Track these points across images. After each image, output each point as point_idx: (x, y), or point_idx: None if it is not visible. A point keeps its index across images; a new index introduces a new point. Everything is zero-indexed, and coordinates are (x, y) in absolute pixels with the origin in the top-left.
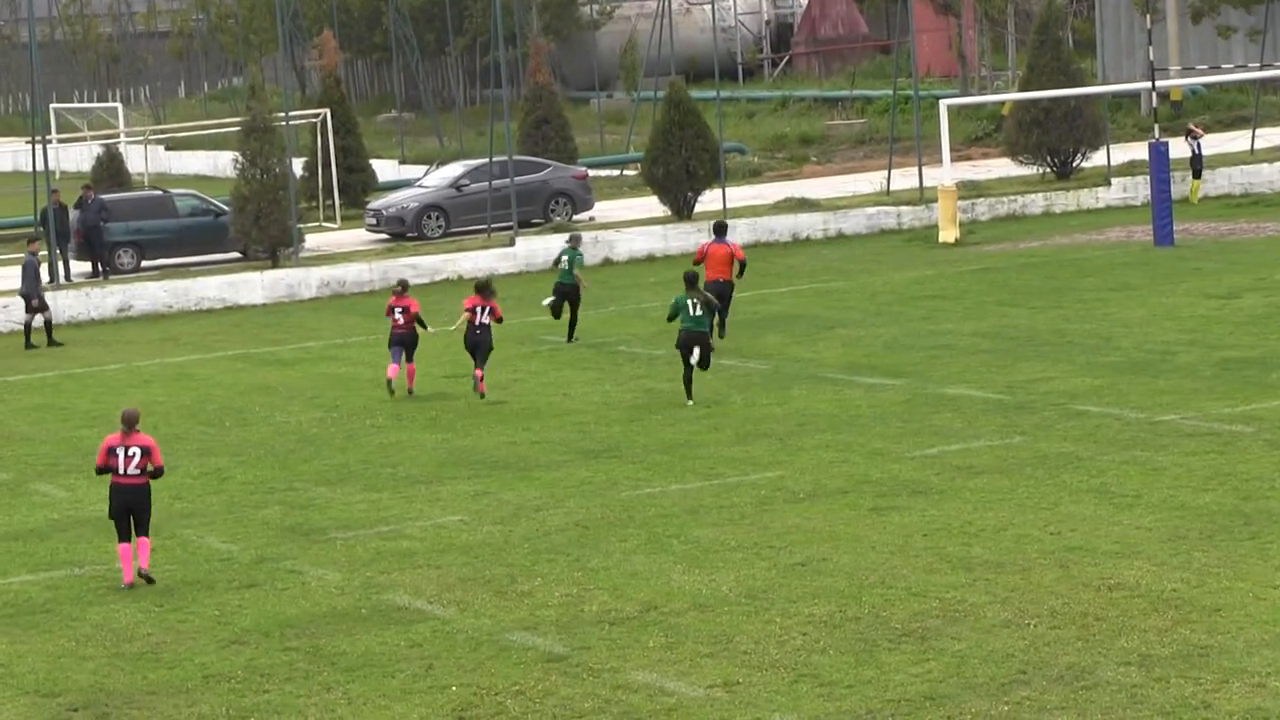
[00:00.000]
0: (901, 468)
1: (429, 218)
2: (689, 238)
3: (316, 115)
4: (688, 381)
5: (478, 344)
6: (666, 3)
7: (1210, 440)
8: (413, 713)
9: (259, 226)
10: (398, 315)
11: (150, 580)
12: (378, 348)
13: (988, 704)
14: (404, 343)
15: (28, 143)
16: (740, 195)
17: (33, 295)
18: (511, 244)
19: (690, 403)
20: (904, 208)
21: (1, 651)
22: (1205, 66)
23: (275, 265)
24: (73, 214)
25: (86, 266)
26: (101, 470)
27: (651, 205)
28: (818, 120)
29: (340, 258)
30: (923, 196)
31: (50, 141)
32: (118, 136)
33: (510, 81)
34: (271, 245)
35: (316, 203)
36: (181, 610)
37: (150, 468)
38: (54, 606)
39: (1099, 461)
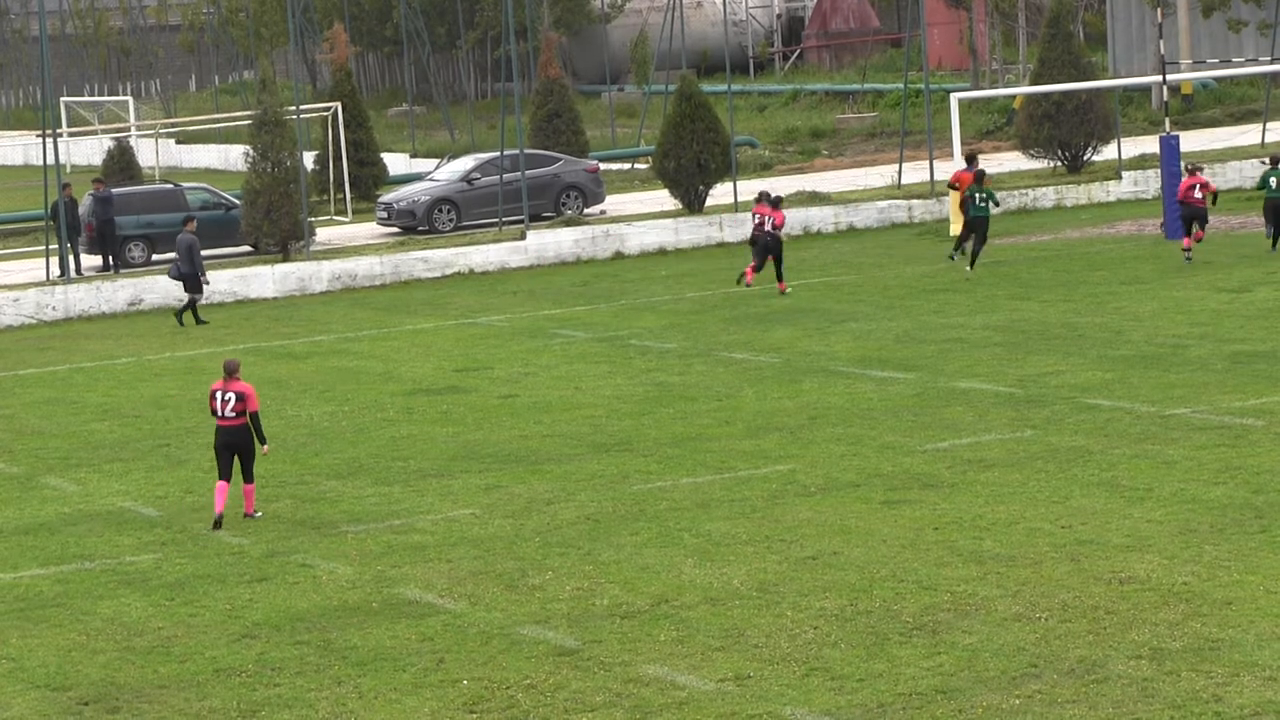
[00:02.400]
0: (913, 461)
1: (440, 211)
2: (700, 231)
3: (327, 109)
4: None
5: (766, 248)
6: None
7: (1221, 434)
8: (424, 706)
9: (270, 220)
10: (759, 221)
11: (218, 524)
12: (389, 341)
13: (999, 697)
14: (769, 249)
15: (38, 136)
16: (751, 189)
17: (195, 274)
18: (522, 237)
19: (968, 270)
20: (915, 201)
21: (12, 645)
22: (1216, 60)
23: (286, 259)
24: (82, 208)
25: (97, 260)
26: (214, 413)
27: (663, 199)
28: (829, 114)
29: (351, 251)
30: (934, 190)
31: (61, 135)
32: (128, 130)
33: (521, 75)
34: (282, 239)
35: (327, 196)
36: (192, 604)
37: (247, 411)
38: (65, 600)
39: (1110, 455)
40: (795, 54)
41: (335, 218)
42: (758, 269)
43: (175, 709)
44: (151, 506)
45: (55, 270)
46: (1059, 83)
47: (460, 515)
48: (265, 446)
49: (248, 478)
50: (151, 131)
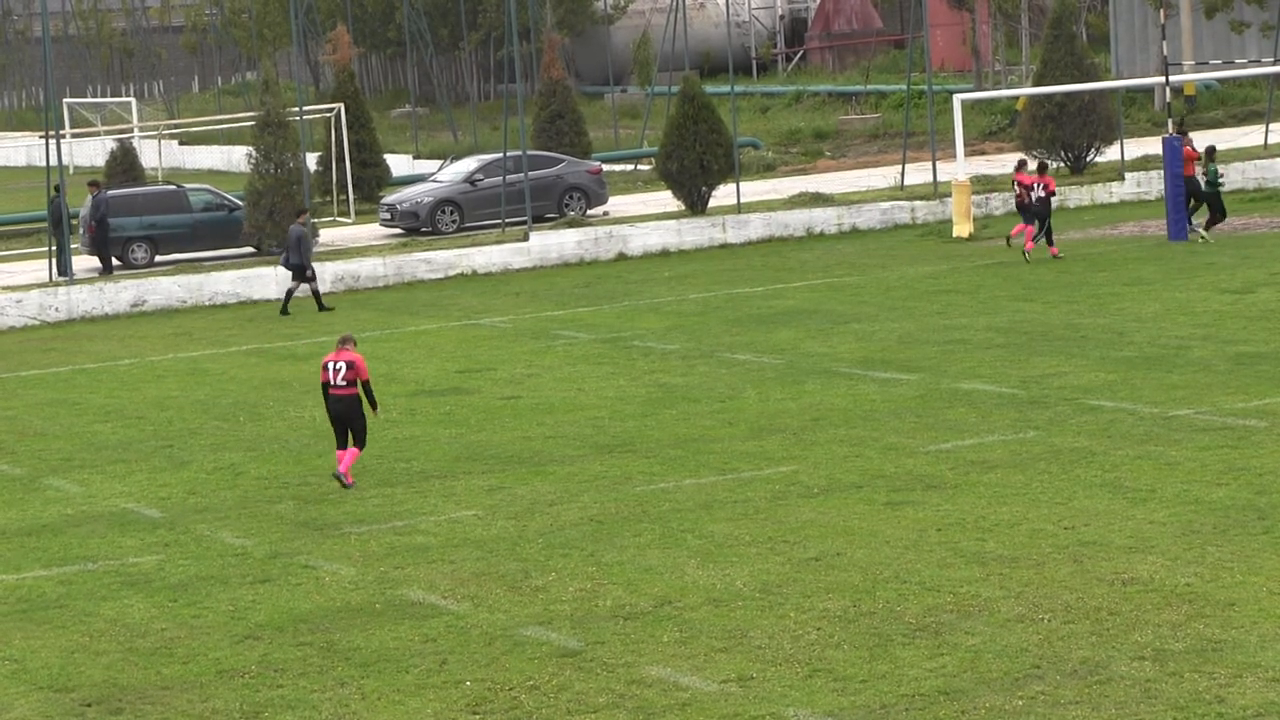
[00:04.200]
0: (915, 462)
1: (443, 212)
2: (703, 232)
3: (330, 110)
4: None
5: (1035, 211)
6: None
7: (1224, 435)
8: (426, 708)
9: (273, 221)
10: (1041, 190)
11: (344, 484)
12: (392, 342)
13: (1001, 699)
14: (1039, 214)
15: (41, 138)
16: (754, 190)
17: (305, 265)
18: (525, 239)
19: (1205, 237)
20: (918, 202)
21: (15, 647)
22: (1219, 61)
23: None
24: (84, 209)
25: (92, 261)
26: (324, 385)
27: (665, 200)
28: (832, 115)
29: (354, 253)
30: (936, 191)
31: (64, 136)
32: (131, 131)
33: (524, 76)
34: (285, 240)
35: (330, 198)
36: (195, 605)
37: (358, 380)
38: (67, 602)
39: (1113, 456)
40: (798, 55)
41: (338, 219)
42: (1036, 236)
43: (178, 710)
44: (154, 508)
45: (58, 271)
46: (1062, 84)
47: (463, 516)
48: (377, 410)
49: (358, 443)
50: (154, 133)
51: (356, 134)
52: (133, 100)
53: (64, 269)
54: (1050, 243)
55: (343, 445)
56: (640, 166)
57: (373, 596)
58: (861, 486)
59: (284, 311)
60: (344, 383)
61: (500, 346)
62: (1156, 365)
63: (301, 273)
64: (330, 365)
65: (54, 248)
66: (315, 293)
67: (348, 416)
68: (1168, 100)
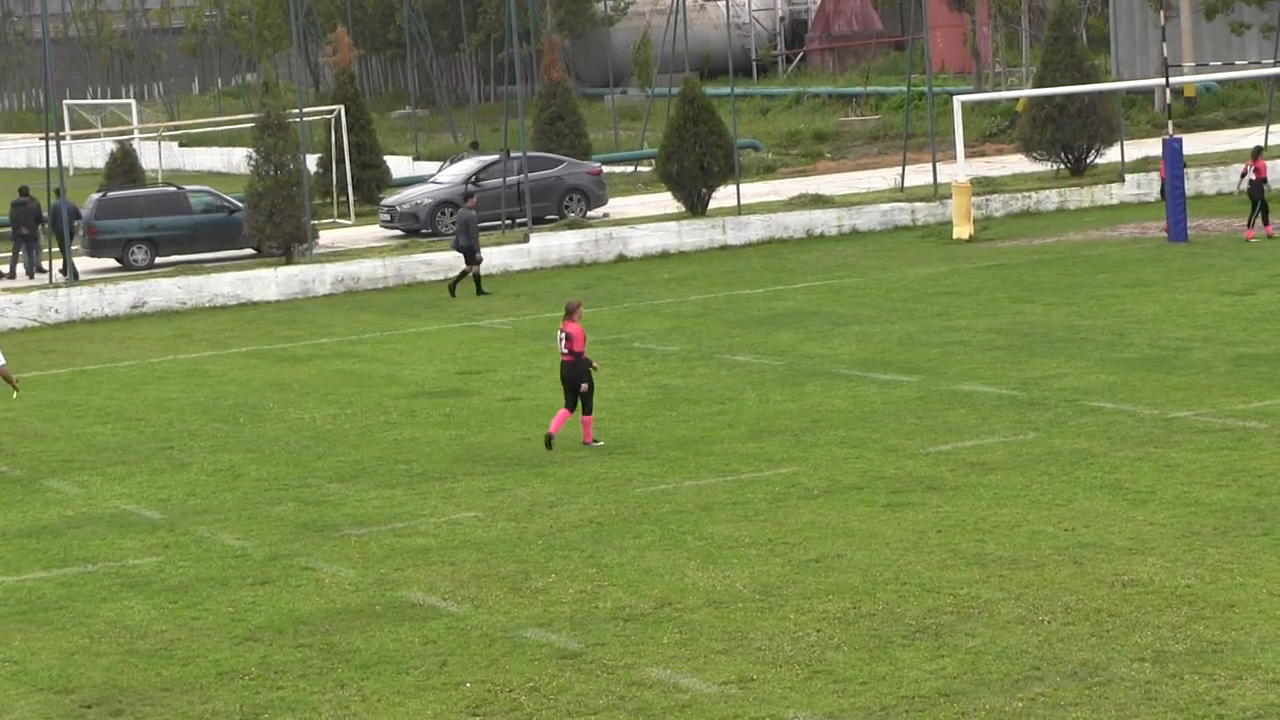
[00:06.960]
0: (915, 464)
1: (443, 214)
2: (703, 234)
3: (330, 112)
4: None
5: (1249, 194)
6: None
7: (1224, 436)
8: (427, 709)
9: (273, 223)
10: (1252, 174)
11: (548, 444)
12: (392, 344)
13: (1001, 700)
14: (1252, 197)
15: (41, 139)
16: (754, 191)
17: (474, 249)
18: (525, 240)
19: None
20: (918, 204)
21: (15, 648)
22: (1219, 63)
23: (289, 262)
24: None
25: (90, 264)
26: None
27: (665, 201)
28: (832, 117)
29: (354, 254)
30: (937, 193)
31: (64, 138)
32: (131, 133)
33: (524, 78)
34: (285, 242)
35: (330, 199)
36: (195, 607)
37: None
38: (67, 603)
39: (1113, 458)
40: (798, 57)
41: (338, 220)
42: (1251, 221)
43: (178, 712)
44: (154, 509)
45: (58, 273)
46: (1062, 85)
47: (463, 518)
48: (596, 363)
49: (585, 409)
50: (154, 134)
51: (357, 136)
52: (133, 102)
53: (34, 270)
54: (1266, 222)
55: (569, 407)
56: (640, 168)
57: (373, 598)
58: (861, 488)
59: (478, 291)
60: (566, 350)
61: (500, 348)
62: (1157, 367)
63: (471, 255)
64: (559, 333)
65: (52, 250)
66: (476, 276)
67: (572, 380)
68: (1168, 102)
